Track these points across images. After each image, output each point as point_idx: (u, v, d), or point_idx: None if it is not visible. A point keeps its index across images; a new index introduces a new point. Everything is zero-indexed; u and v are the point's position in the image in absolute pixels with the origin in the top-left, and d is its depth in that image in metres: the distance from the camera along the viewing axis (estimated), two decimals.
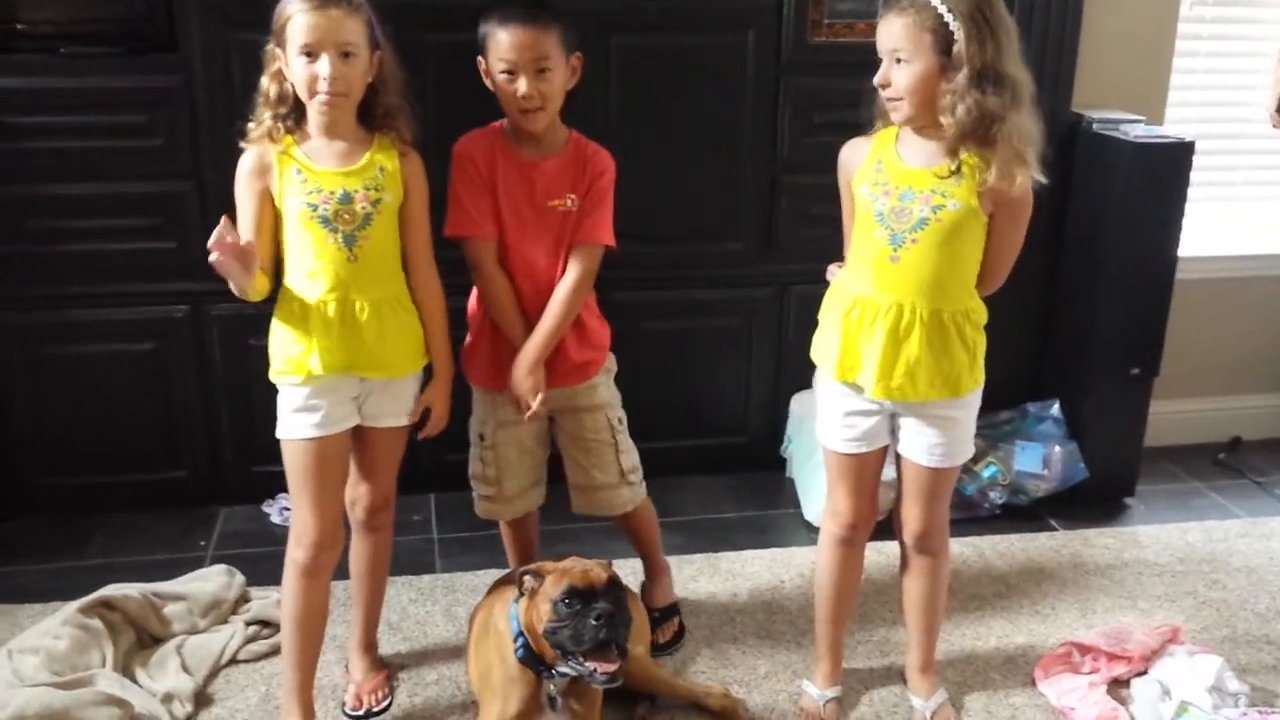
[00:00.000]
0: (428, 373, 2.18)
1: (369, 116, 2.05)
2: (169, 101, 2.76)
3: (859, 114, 2.94)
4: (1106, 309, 3.04)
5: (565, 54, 2.12)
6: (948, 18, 1.84)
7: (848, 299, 2.03)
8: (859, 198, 2.00)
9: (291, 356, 2.02)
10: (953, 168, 1.89)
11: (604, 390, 2.32)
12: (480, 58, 2.15)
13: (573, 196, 2.18)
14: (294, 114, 2.00)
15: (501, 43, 2.08)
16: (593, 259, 2.21)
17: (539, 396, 2.17)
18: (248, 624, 2.43)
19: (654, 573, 2.50)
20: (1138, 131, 2.97)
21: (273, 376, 2.05)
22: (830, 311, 2.08)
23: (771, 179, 3.06)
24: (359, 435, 2.13)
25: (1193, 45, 3.30)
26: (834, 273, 2.14)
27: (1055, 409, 3.17)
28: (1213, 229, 3.44)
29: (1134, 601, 2.67)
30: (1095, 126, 3.02)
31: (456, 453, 3.12)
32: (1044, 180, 1.92)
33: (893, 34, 1.88)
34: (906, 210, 1.93)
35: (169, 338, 2.92)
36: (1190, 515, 3.13)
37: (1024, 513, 3.06)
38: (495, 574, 2.67)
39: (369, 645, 2.33)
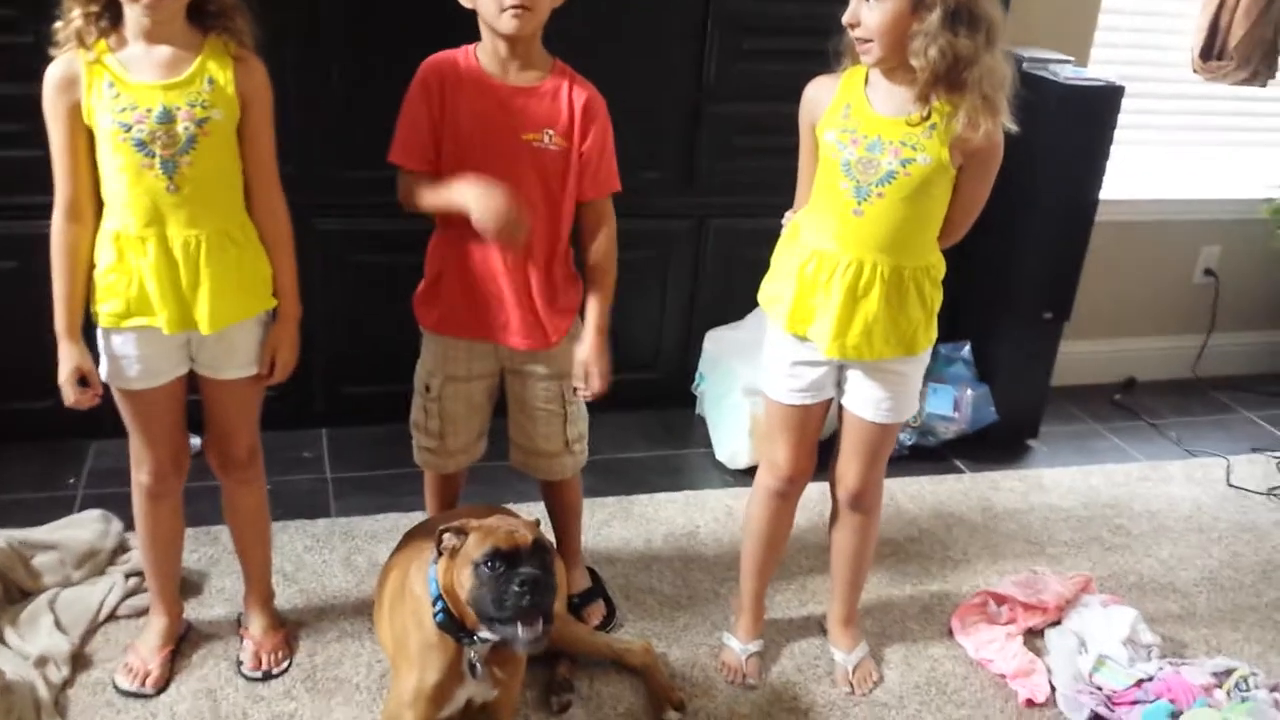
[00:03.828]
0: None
1: (199, 16, 1.77)
2: None
3: (793, 41, 2.85)
4: (1026, 253, 3.01)
5: None
6: None
7: (805, 250, 1.91)
8: (824, 144, 1.87)
9: (106, 299, 1.81)
10: (924, 114, 1.78)
11: (563, 359, 2.11)
12: None
13: (551, 132, 1.96)
14: (109, 12, 1.72)
15: None
16: (611, 209, 2.07)
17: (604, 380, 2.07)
18: (127, 575, 2.24)
19: (570, 554, 2.31)
20: (1067, 73, 2.91)
21: (92, 313, 1.84)
22: (785, 259, 1.97)
23: (695, 107, 2.91)
24: (203, 386, 1.94)
25: None
26: (788, 219, 2.01)
27: (966, 351, 3.15)
28: (1124, 172, 3.44)
29: (1042, 548, 2.69)
30: (1025, 66, 2.94)
31: (352, 385, 2.97)
32: (1014, 128, 1.82)
33: None
34: (874, 162, 1.82)
35: (35, 255, 2.57)
36: (1091, 458, 3.17)
37: (930, 454, 3.06)
38: (396, 518, 2.55)
39: (264, 599, 2.17)
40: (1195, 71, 3.31)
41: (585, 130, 1.99)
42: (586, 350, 2.06)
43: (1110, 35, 3.32)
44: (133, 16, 1.71)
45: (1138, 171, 3.48)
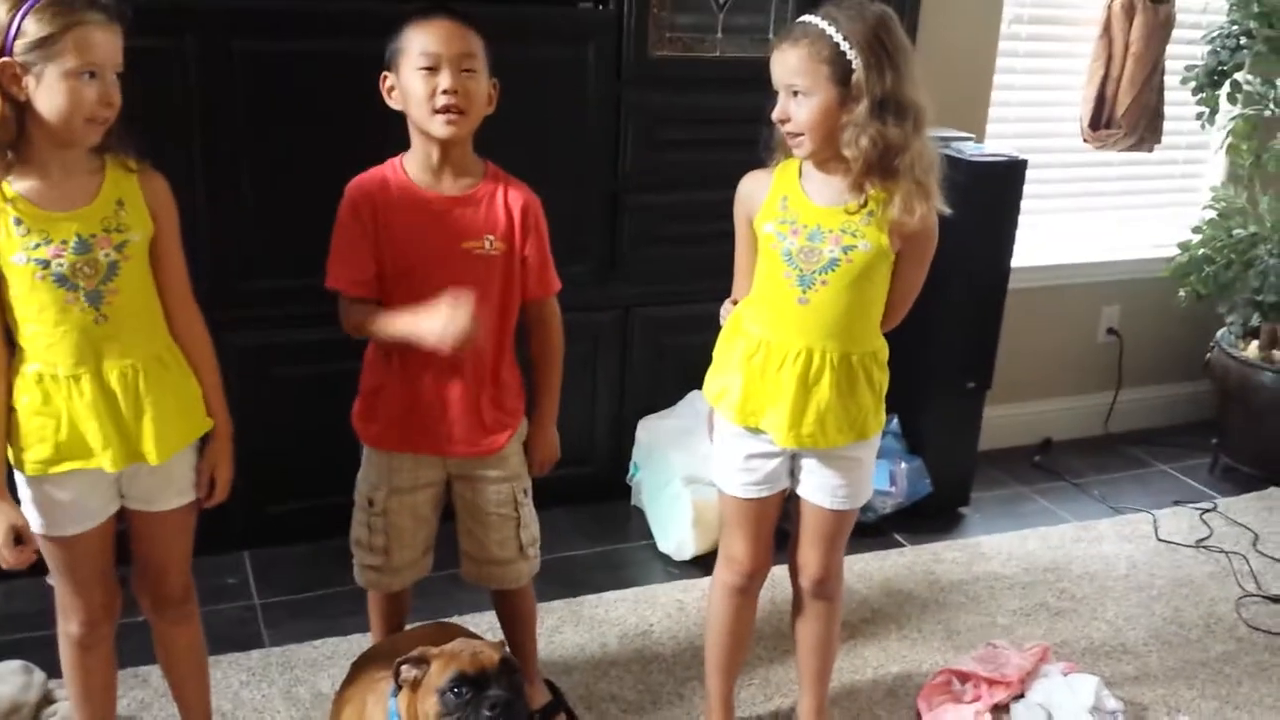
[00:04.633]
0: None
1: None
2: None
3: (704, 130, 2.89)
4: (944, 325, 3.05)
5: (488, 68, 1.91)
6: (844, 46, 1.74)
7: (751, 340, 1.90)
8: (763, 236, 1.88)
9: (31, 445, 1.69)
10: (861, 203, 1.80)
11: (514, 460, 2.08)
12: (385, 74, 1.91)
13: (491, 238, 1.94)
14: (13, 148, 1.61)
15: (425, 37, 1.85)
16: (555, 305, 2.08)
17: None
18: None
19: (527, 668, 2.19)
20: (971, 150, 3.00)
21: (13, 461, 1.70)
22: (729, 351, 1.95)
23: (614, 197, 2.92)
24: (134, 522, 1.83)
25: (1010, 62, 3.39)
26: (728, 311, 2.00)
27: (894, 424, 3.17)
28: (1025, 240, 3.54)
29: (993, 618, 2.69)
30: None
31: (272, 504, 2.84)
32: (947, 211, 1.85)
33: (788, 67, 1.78)
34: (816, 250, 1.83)
35: None
36: (1023, 521, 3.21)
37: (870, 529, 3.04)
38: (336, 643, 2.43)
39: None
40: (1085, 141, 3.45)
41: (525, 233, 1.98)
42: (532, 439, 2.11)
43: (1002, 110, 3.45)
44: (47, 147, 1.62)
45: (1037, 239, 3.60)
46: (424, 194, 1.92)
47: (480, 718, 1.67)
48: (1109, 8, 3.29)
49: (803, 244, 1.83)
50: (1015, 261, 3.27)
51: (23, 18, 1.55)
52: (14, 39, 1.55)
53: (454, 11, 1.89)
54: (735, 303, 2.00)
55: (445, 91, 1.83)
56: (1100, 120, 3.39)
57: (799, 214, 1.85)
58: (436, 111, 1.85)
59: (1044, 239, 3.64)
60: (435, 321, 1.80)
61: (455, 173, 1.94)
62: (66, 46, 1.56)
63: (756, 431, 1.93)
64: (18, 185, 1.62)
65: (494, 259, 1.95)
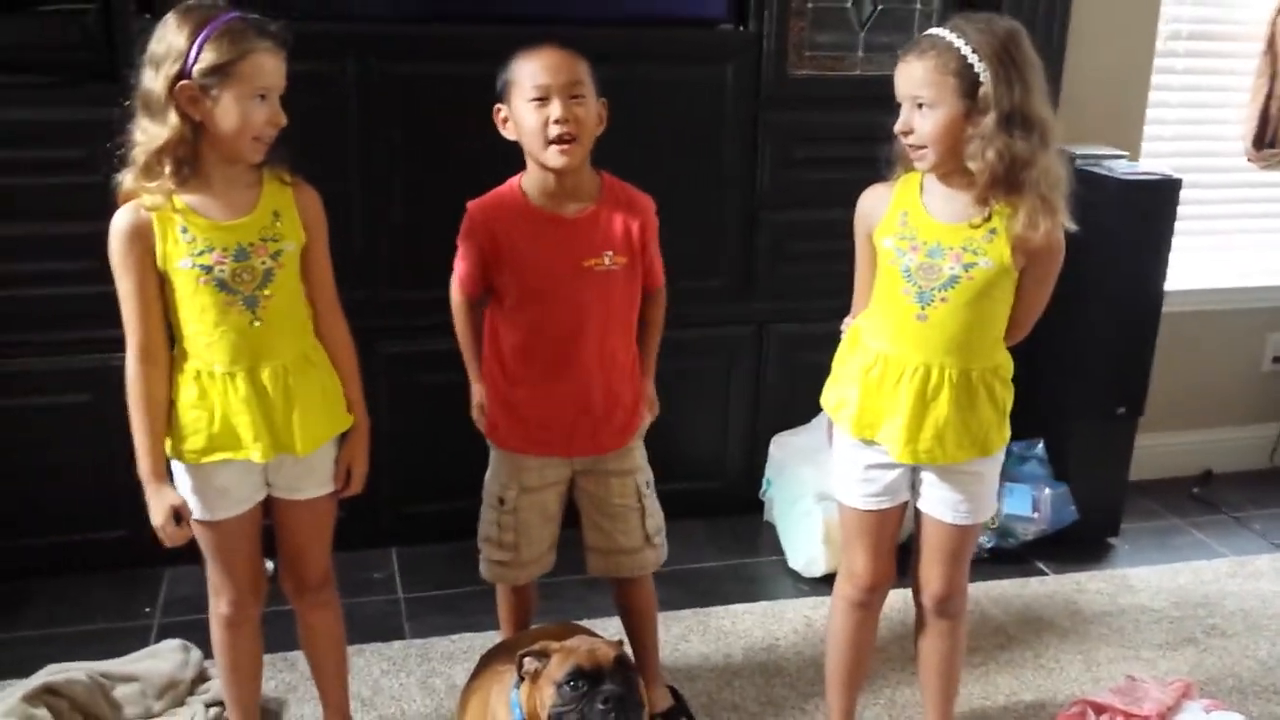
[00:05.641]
0: None
1: None
2: (108, 135, 2.54)
3: (841, 149, 2.89)
4: (1092, 347, 2.98)
5: (595, 90, 1.98)
6: (972, 59, 1.74)
7: (869, 354, 1.91)
8: (883, 251, 1.88)
9: (187, 436, 1.82)
10: (985, 217, 1.79)
11: (636, 453, 2.16)
12: (499, 105, 2.00)
13: (611, 253, 2.01)
14: (191, 162, 1.75)
15: (533, 69, 1.93)
16: (663, 297, 2.18)
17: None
18: (208, 706, 2.22)
19: (650, 670, 2.21)
20: (1123, 168, 2.92)
21: (170, 453, 1.84)
22: (847, 364, 1.96)
23: (751, 215, 2.96)
24: (278, 509, 1.95)
25: (1166, 79, 3.28)
26: (848, 325, 2.01)
27: (1040, 449, 3.09)
28: (1184, 262, 3.42)
29: (1136, 651, 2.59)
30: (1078, 163, 2.95)
31: (419, 504, 2.97)
32: (1073, 227, 1.82)
33: (913, 78, 1.78)
34: (936, 267, 1.82)
35: (106, 388, 2.62)
36: (1175, 555, 3.07)
37: (1011, 556, 2.98)
38: (471, 638, 2.52)
39: None
40: (1250, 160, 3.31)
41: (645, 243, 2.06)
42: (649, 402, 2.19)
43: (1159, 129, 3.33)
44: (214, 163, 1.76)
45: (1198, 261, 3.45)
46: (544, 215, 2.00)
47: (594, 710, 1.72)
48: (1273, 23, 3.15)
49: (922, 260, 1.83)
50: (1172, 284, 3.16)
51: (201, 45, 1.70)
52: (193, 64, 1.70)
53: (558, 39, 1.97)
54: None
55: (557, 121, 1.90)
56: (1264, 140, 3.25)
57: (918, 230, 1.84)
58: (551, 142, 1.92)
59: (1205, 261, 3.49)
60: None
61: (573, 195, 2.01)
62: (241, 72, 1.70)
63: (873, 443, 1.93)
64: (185, 198, 1.76)
65: (615, 273, 2.01)
